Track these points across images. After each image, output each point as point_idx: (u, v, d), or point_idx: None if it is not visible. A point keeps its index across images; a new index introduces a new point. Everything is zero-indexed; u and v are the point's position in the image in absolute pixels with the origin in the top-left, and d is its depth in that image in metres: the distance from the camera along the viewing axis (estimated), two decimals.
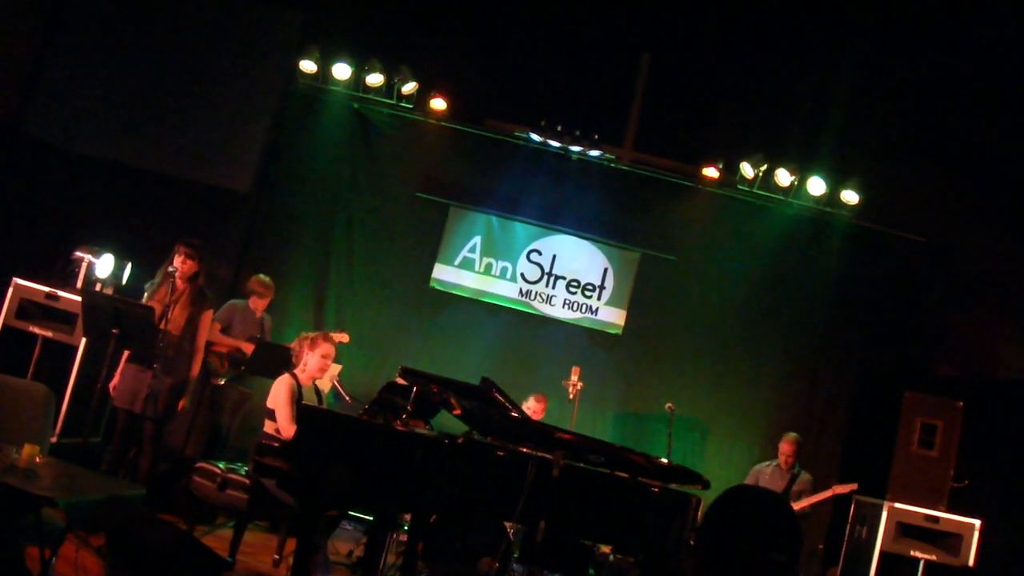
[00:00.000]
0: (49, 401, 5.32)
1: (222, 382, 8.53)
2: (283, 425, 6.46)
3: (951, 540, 7.95)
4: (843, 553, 8.41)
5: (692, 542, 7.52)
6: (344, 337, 8.76)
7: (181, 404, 7.50)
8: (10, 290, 7.82)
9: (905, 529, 7.99)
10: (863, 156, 10.02)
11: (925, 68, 9.85)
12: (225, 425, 8.80)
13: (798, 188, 10.01)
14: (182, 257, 7.34)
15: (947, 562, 7.90)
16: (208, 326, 7.68)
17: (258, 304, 8.85)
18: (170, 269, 7.28)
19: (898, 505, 7.99)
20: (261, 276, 8.93)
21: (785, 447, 8.99)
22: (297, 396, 6.64)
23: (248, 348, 8.49)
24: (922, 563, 7.91)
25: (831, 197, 9.97)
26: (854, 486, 8.51)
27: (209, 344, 8.48)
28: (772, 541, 2.29)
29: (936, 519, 7.96)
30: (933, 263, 10.06)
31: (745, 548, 2.22)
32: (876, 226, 10.09)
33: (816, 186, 9.89)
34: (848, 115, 9.91)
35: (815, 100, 10.08)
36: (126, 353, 7.25)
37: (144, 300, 7.41)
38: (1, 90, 9.83)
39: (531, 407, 8.73)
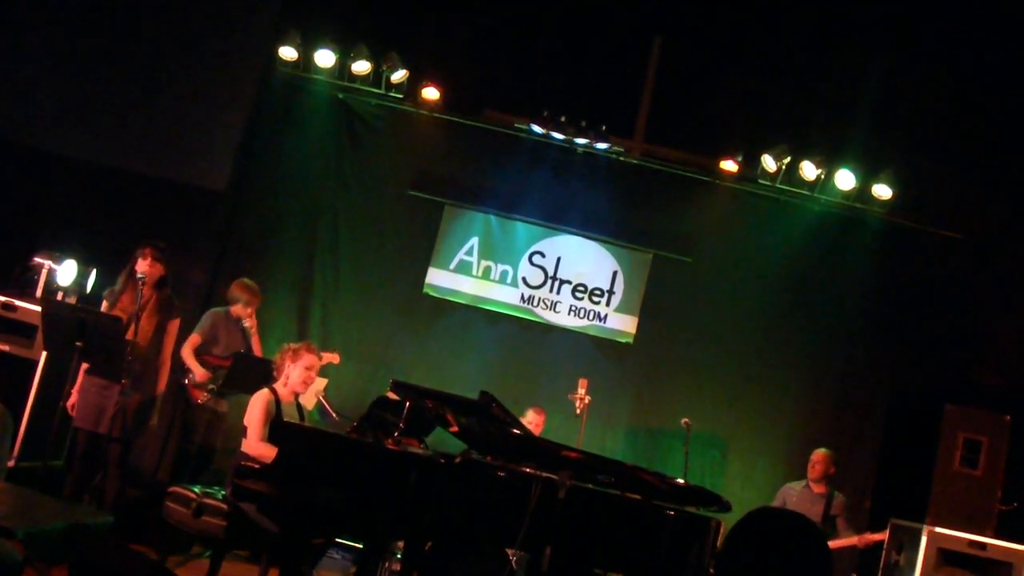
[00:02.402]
0: (6, 421, 5.28)
1: (201, 400, 8.44)
2: (251, 442, 6.49)
3: (999, 569, 7.82)
4: None
5: (712, 570, 7.51)
6: (334, 358, 8.73)
7: (153, 422, 7.48)
8: None
9: (947, 556, 7.88)
10: (896, 147, 9.98)
11: (963, 52, 9.83)
12: (197, 445, 8.72)
13: (825, 182, 9.97)
14: (149, 260, 7.32)
15: None
16: (175, 335, 7.65)
17: (242, 313, 8.65)
18: (138, 275, 7.25)
19: (939, 530, 7.89)
20: (245, 280, 8.76)
21: (816, 465, 8.89)
22: (275, 413, 6.64)
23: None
24: None
25: (861, 192, 9.93)
26: (884, 536, 8.42)
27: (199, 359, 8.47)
28: (799, 569, 2.26)
29: (982, 545, 7.85)
30: (974, 263, 10.01)
31: (769, 574, 2.20)
32: (911, 223, 10.04)
33: (845, 180, 9.85)
34: (880, 102, 9.89)
35: (844, 86, 10.07)
36: (84, 366, 7.21)
37: (104, 309, 7.39)
38: None
39: (530, 421, 8.71)
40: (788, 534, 2.52)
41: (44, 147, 9.80)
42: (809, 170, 9.89)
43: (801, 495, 8.87)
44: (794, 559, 2.48)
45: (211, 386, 8.40)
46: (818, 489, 8.85)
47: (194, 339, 8.47)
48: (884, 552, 8.33)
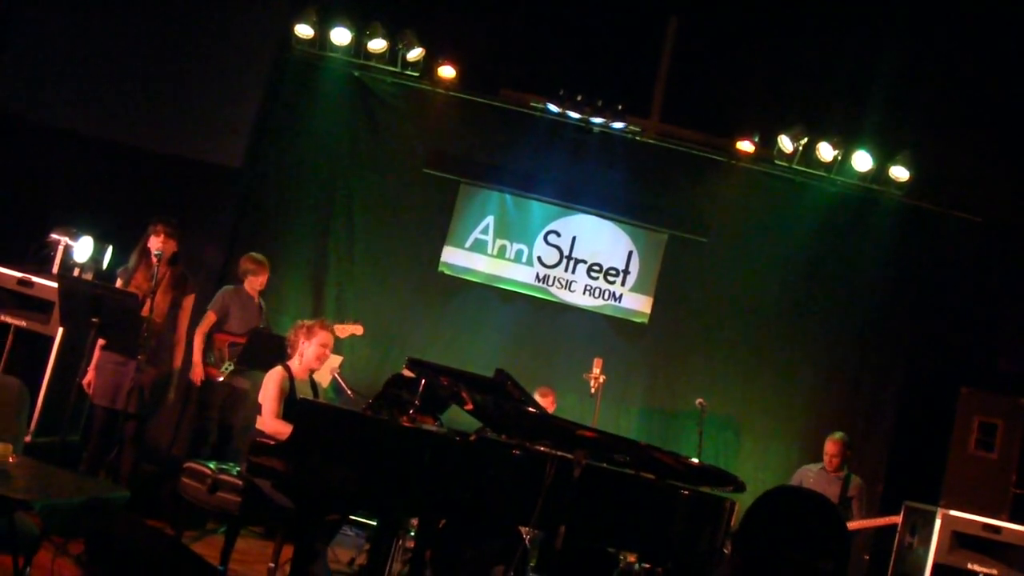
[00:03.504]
0: (23, 396, 5.31)
1: (221, 378, 8.49)
2: (265, 420, 6.50)
3: (1014, 553, 7.82)
4: (891, 565, 8.35)
5: (729, 548, 7.52)
6: (358, 329, 8.71)
7: (169, 398, 7.50)
8: None
9: (961, 539, 7.88)
10: (914, 128, 9.93)
11: (983, 31, 9.76)
12: (214, 421, 8.76)
13: (842, 163, 9.93)
14: (162, 237, 7.33)
15: None
16: (190, 312, 7.67)
17: (253, 284, 8.71)
18: (153, 251, 7.26)
19: (953, 513, 7.89)
20: (252, 254, 8.82)
21: (830, 448, 8.84)
22: (289, 390, 6.65)
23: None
24: None
25: (878, 173, 9.90)
26: (897, 519, 8.40)
27: (210, 336, 8.51)
28: (817, 547, 2.26)
29: (997, 529, 7.85)
30: (991, 245, 9.96)
31: (787, 555, 2.19)
32: (928, 205, 10.01)
33: (862, 161, 9.82)
34: (898, 83, 9.83)
35: (861, 66, 9.99)
36: (100, 343, 7.23)
37: (118, 286, 7.40)
38: None
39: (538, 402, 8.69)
40: (805, 512, 2.51)
41: (61, 124, 9.81)
42: (826, 151, 9.85)
43: (819, 476, 8.84)
44: (813, 537, 2.48)
45: (226, 365, 8.44)
46: (835, 474, 8.82)
47: (209, 317, 8.52)
48: (898, 534, 8.32)
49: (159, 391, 7.42)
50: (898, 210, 10.04)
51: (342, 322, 8.66)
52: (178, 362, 7.68)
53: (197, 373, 8.47)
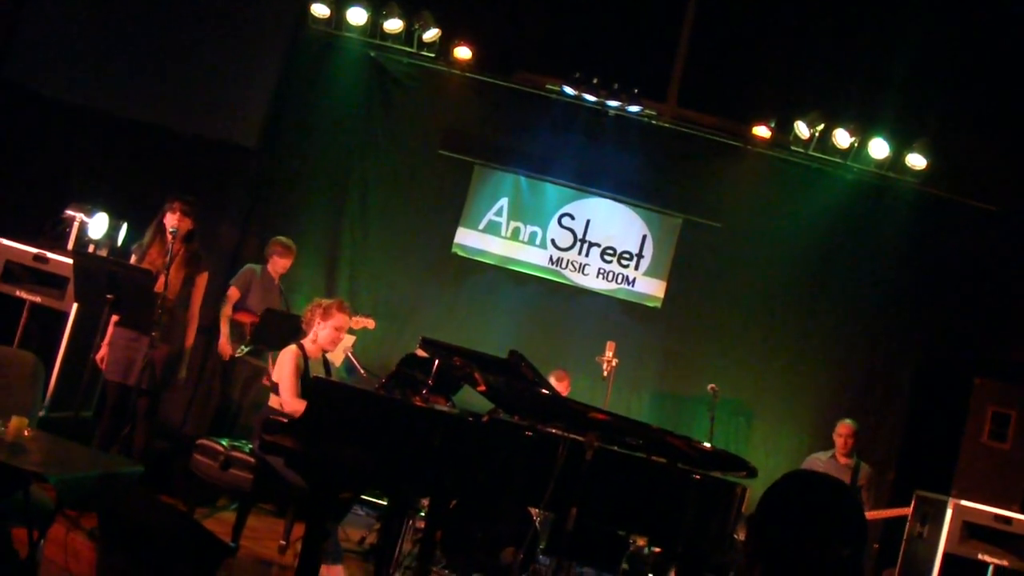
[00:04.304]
0: (38, 371, 5.32)
1: (238, 354, 8.55)
2: (285, 399, 6.51)
3: None
4: (901, 554, 8.34)
5: (745, 531, 7.53)
6: (369, 323, 8.76)
7: (180, 375, 7.53)
8: None
9: (972, 530, 7.86)
10: (931, 116, 9.89)
11: (1002, 19, 9.70)
12: (235, 401, 8.83)
13: (858, 150, 9.90)
14: (178, 215, 7.34)
15: (1020, 568, 7.72)
16: (204, 289, 7.69)
17: (277, 266, 8.85)
18: (169, 228, 7.28)
19: (965, 503, 7.86)
20: (280, 237, 8.98)
21: (843, 430, 8.85)
22: (304, 369, 6.66)
23: None
24: (991, 568, 7.75)
25: (895, 161, 9.85)
26: (908, 511, 8.39)
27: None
28: (835, 533, 2.26)
29: (1008, 520, 7.81)
30: (1007, 235, 9.90)
31: (804, 539, 2.20)
32: (945, 194, 9.95)
33: (878, 149, 9.78)
34: (916, 70, 9.77)
35: (880, 52, 9.95)
36: (113, 319, 7.25)
37: (132, 262, 7.43)
38: None
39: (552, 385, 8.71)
40: (825, 497, 2.51)
41: (77, 101, 9.82)
42: (842, 138, 9.81)
43: (828, 465, 8.84)
44: (831, 522, 2.47)
45: (245, 344, 8.50)
46: (845, 460, 8.82)
47: (232, 293, 8.65)
48: (908, 524, 8.31)
49: (170, 368, 7.44)
50: (914, 198, 10.00)
51: (355, 312, 8.71)
52: (190, 340, 7.70)
53: (224, 347, 8.54)
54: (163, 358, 7.31)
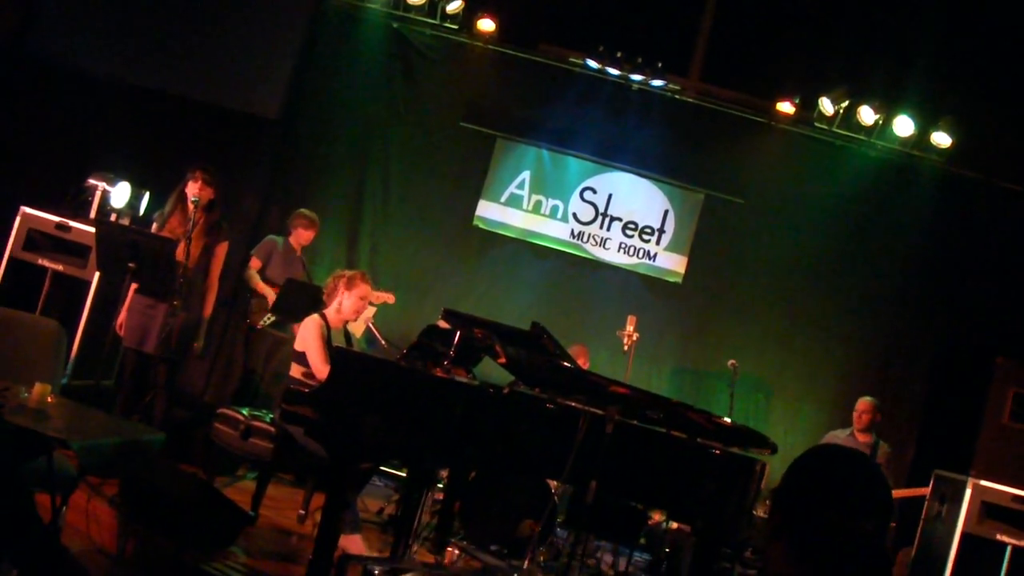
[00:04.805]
0: (61, 338, 5.33)
1: (261, 324, 8.59)
2: (317, 367, 6.51)
3: None
4: (919, 533, 8.32)
5: (765, 507, 7.53)
6: (390, 298, 8.77)
7: (196, 345, 7.54)
8: (17, 220, 7.86)
9: (991, 510, 7.81)
10: (957, 93, 9.80)
11: None
12: (257, 372, 8.87)
13: (883, 128, 9.84)
14: (199, 184, 7.34)
15: None
16: (223, 259, 7.69)
17: (299, 238, 8.91)
18: (192, 199, 7.28)
19: (984, 483, 7.82)
20: (304, 210, 9.04)
21: (862, 406, 8.84)
22: (327, 338, 6.66)
23: None
24: (1009, 549, 7.71)
25: (920, 139, 9.80)
26: (926, 491, 8.36)
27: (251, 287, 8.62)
28: (860, 506, 2.25)
29: None
30: None
31: (828, 513, 2.19)
32: (969, 172, 9.89)
33: (903, 126, 9.72)
34: (942, 47, 9.68)
35: (906, 29, 9.87)
36: (133, 286, 7.27)
37: (153, 231, 7.44)
38: (0, 6, 9.84)
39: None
40: (850, 471, 2.50)
41: (99, 71, 9.83)
42: (867, 115, 9.76)
43: (846, 443, 8.81)
44: (855, 496, 2.46)
45: (268, 316, 8.53)
46: (863, 438, 8.80)
47: (255, 263, 8.68)
48: (926, 503, 8.28)
49: (186, 337, 7.45)
50: (938, 177, 9.95)
51: (376, 286, 8.73)
52: (208, 310, 7.70)
53: (266, 290, 8.65)
54: (179, 327, 7.31)
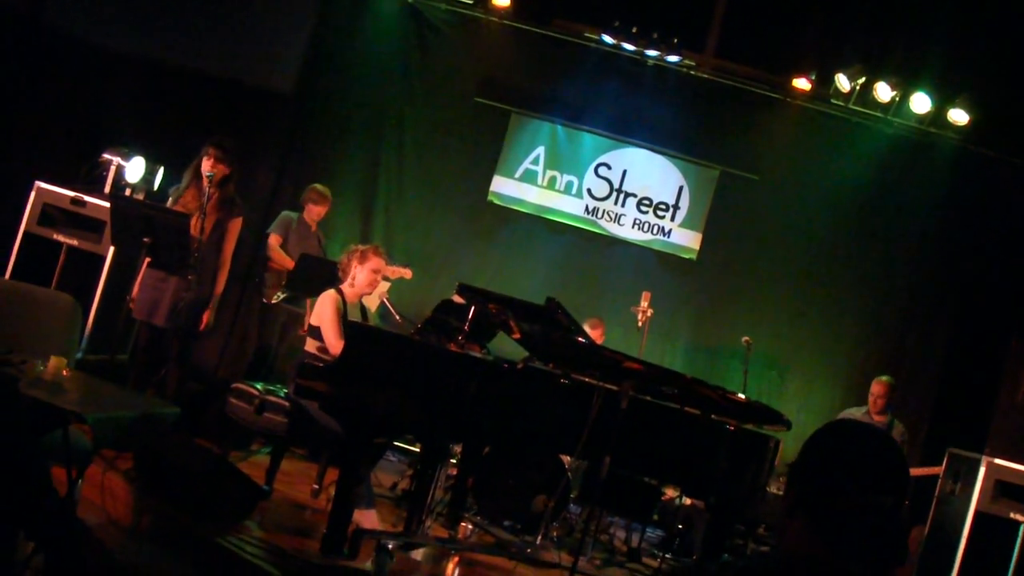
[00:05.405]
0: (75, 312, 5.33)
1: (274, 300, 8.60)
2: (331, 342, 6.50)
3: None
4: (932, 511, 8.29)
5: (780, 483, 7.53)
6: (407, 272, 8.76)
7: (205, 319, 7.54)
8: (32, 194, 7.83)
9: (1005, 489, 7.76)
10: (975, 70, 9.71)
11: None
12: (272, 347, 8.88)
13: (900, 105, 9.77)
14: (213, 160, 7.32)
15: None
16: (236, 235, 7.68)
17: (312, 213, 8.91)
18: (207, 174, 7.28)
19: (998, 461, 7.76)
20: (317, 185, 9.02)
21: (877, 389, 8.80)
22: (343, 313, 6.66)
23: None
24: (1023, 527, 7.75)
25: (937, 116, 9.73)
26: (940, 470, 8.33)
27: (265, 260, 8.60)
28: (877, 482, 2.24)
29: None
30: None
31: (845, 488, 2.18)
32: (986, 151, 9.83)
33: (920, 103, 9.64)
34: (960, 23, 9.60)
35: (923, 4, 9.78)
36: (147, 260, 7.26)
37: (168, 205, 7.44)
38: None
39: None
40: (867, 447, 2.48)
41: (115, 46, 9.80)
42: (884, 91, 9.67)
43: (862, 421, 8.78)
44: (872, 472, 2.44)
45: (280, 292, 8.53)
46: (879, 418, 8.78)
47: (275, 239, 8.68)
48: (940, 481, 8.26)
49: (196, 312, 7.45)
50: (954, 154, 9.88)
51: (392, 261, 8.72)
52: (220, 286, 7.67)
53: (284, 263, 8.67)
54: (190, 301, 7.31)
